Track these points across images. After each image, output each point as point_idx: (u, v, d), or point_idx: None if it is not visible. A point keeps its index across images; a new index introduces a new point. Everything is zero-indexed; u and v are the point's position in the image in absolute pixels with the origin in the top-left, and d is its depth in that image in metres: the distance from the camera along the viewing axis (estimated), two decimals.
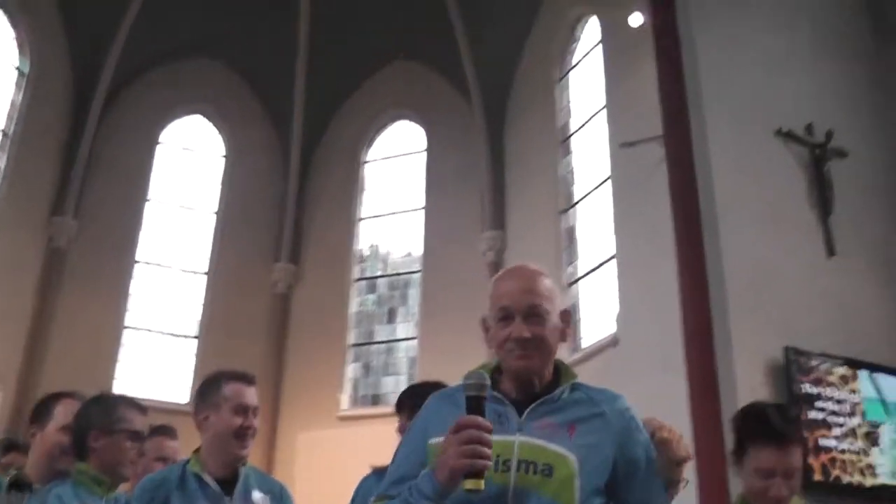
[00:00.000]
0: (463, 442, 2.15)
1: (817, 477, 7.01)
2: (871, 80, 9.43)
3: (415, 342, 15.28)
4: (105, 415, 3.32)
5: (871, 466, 7.45)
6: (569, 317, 2.55)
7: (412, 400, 3.87)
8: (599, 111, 13.15)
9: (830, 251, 8.24)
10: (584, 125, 13.74)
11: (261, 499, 3.58)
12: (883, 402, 7.77)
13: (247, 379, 3.66)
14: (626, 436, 2.44)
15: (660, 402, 9.30)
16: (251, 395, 3.63)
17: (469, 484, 2.13)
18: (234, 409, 3.55)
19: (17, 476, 3.43)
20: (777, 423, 3.01)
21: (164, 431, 4.45)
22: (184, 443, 4.43)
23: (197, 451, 3.64)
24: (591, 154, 13.28)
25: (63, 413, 3.47)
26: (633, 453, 2.44)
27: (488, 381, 2.27)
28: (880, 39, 9.63)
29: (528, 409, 2.35)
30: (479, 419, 2.19)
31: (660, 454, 3.24)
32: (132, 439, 3.32)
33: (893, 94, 9.46)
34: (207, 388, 3.64)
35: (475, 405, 2.21)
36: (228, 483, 3.54)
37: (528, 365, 2.39)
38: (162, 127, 16.70)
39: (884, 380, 7.83)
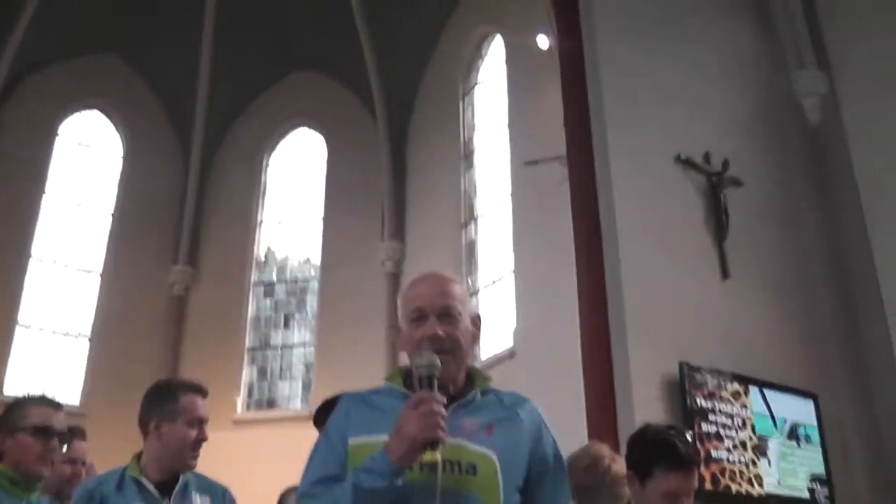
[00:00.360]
0: (423, 415, 2.24)
1: (708, 486, 7.30)
2: (766, 112, 9.84)
3: (311, 348, 15.31)
4: (9, 415, 3.30)
5: (758, 476, 7.82)
6: (479, 322, 2.63)
7: (328, 414, 4.00)
8: (503, 129, 13.37)
9: (725, 274, 8.58)
10: (487, 142, 13.96)
11: (201, 501, 3.63)
12: (772, 417, 8.16)
13: (202, 391, 3.73)
14: (537, 436, 2.54)
15: (556, 413, 9.57)
16: (204, 408, 3.69)
17: (427, 456, 2.23)
18: (189, 422, 3.60)
19: None
20: (684, 450, 3.17)
21: (74, 433, 4.38)
22: None
23: (137, 455, 3.67)
24: (493, 170, 13.51)
25: None
26: (544, 452, 2.54)
27: (439, 363, 2.36)
28: (773, 71, 10.08)
29: (447, 411, 2.35)
30: (436, 394, 2.30)
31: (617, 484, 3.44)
32: (37, 435, 3.26)
33: (785, 127, 9.93)
34: (162, 396, 3.67)
35: (428, 384, 2.32)
36: (167, 487, 3.58)
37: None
38: (61, 120, 16.42)
39: (773, 396, 8.22)
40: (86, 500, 3.47)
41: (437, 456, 2.25)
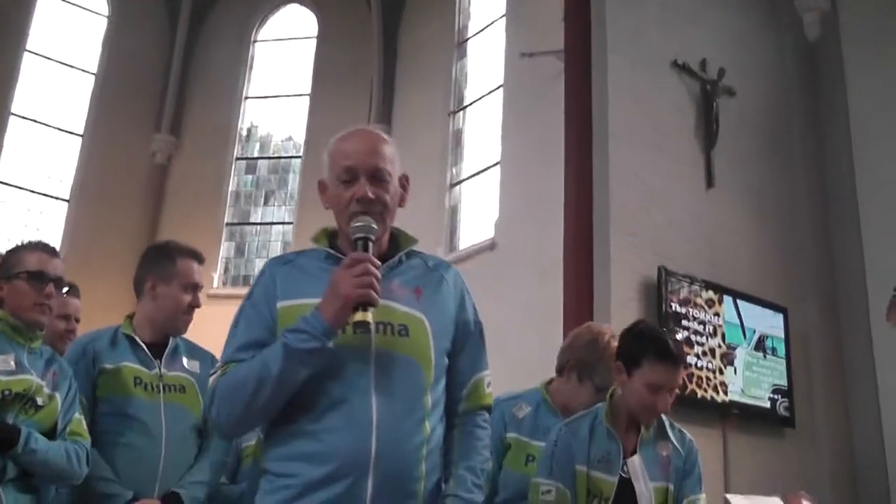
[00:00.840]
0: (358, 274, 2.23)
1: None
2: (764, 25, 9.83)
3: (290, 227, 15.33)
4: (5, 261, 3.27)
5: (723, 384, 8.03)
6: (407, 182, 2.58)
7: None
8: (499, 19, 13.22)
9: (710, 182, 8.68)
10: (482, 31, 13.83)
11: (190, 364, 3.70)
12: (742, 327, 8.35)
13: (199, 258, 3.77)
14: (461, 300, 2.57)
15: (534, 307, 9.80)
16: (200, 274, 3.73)
17: (359, 316, 2.23)
18: (184, 286, 3.65)
19: None
20: (673, 347, 3.30)
21: (69, 290, 4.35)
22: None
23: (130, 316, 3.73)
24: (486, 60, 13.40)
25: None
26: (468, 316, 2.58)
27: (375, 227, 2.36)
28: None
29: None
30: (371, 256, 2.29)
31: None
32: (32, 280, 3.22)
33: (783, 40, 9.92)
34: (160, 258, 3.71)
35: (364, 247, 2.33)
36: (158, 348, 3.64)
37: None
38: None
39: (745, 307, 8.40)
40: (79, 355, 3.53)
41: (369, 316, 2.24)
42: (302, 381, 2.28)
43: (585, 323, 4.23)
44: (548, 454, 3.41)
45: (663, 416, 3.45)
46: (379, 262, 2.32)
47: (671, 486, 3.33)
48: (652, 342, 3.31)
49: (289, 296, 2.42)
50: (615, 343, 3.60)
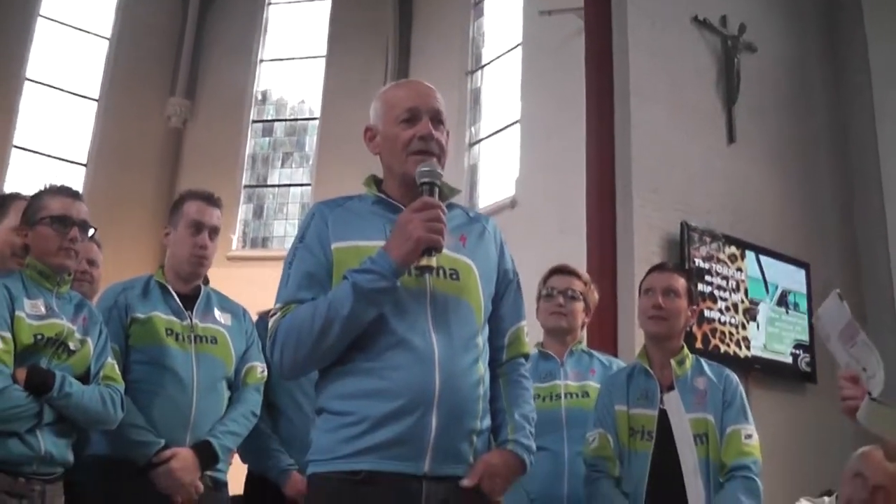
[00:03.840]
0: (428, 219, 2.26)
1: (698, 345, 7.51)
2: None
3: (308, 188, 15.32)
4: (29, 207, 3.24)
5: (746, 339, 8.04)
6: (447, 138, 2.60)
7: None
8: None
9: (731, 138, 8.65)
10: None
11: (222, 317, 3.69)
12: (764, 283, 8.34)
13: (208, 198, 3.73)
14: (501, 249, 2.63)
15: (556, 263, 9.78)
16: (210, 215, 3.69)
17: (425, 260, 2.28)
18: (189, 226, 3.63)
19: None
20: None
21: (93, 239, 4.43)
22: None
23: (162, 266, 3.74)
24: (503, 18, 13.33)
25: (17, 212, 3.35)
26: (507, 265, 2.64)
27: (441, 172, 2.41)
28: None
29: None
30: (440, 203, 2.34)
31: None
32: (55, 224, 3.18)
33: None
34: (174, 205, 3.75)
35: (429, 192, 2.36)
36: (191, 300, 3.64)
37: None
38: None
39: (767, 262, 8.39)
40: (111, 304, 3.54)
41: (433, 261, 2.30)
42: (369, 320, 2.31)
43: None
44: (594, 409, 3.65)
45: (700, 359, 3.65)
46: (445, 209, 2.34)
47: (711, 417, 3.45)
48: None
49: (343, 237, 2.44)
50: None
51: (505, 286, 2.61)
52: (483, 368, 2.45)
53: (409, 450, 2.28)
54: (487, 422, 2.46)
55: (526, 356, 2.65)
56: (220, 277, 3.79)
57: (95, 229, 3.39)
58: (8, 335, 2.96)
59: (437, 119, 2.50)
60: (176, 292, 3.62)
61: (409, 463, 2.28)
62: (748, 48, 8.99)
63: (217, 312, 3.70)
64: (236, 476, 3.95)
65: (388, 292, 2.29)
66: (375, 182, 2.59)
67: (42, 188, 3.32)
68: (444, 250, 2.37)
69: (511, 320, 2.62)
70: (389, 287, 2.28)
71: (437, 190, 2.37)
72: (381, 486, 2.26)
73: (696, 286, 7.57)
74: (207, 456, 3.42)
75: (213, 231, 3.70)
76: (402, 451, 2.28)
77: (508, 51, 12.92)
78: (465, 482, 2.34)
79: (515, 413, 2.51)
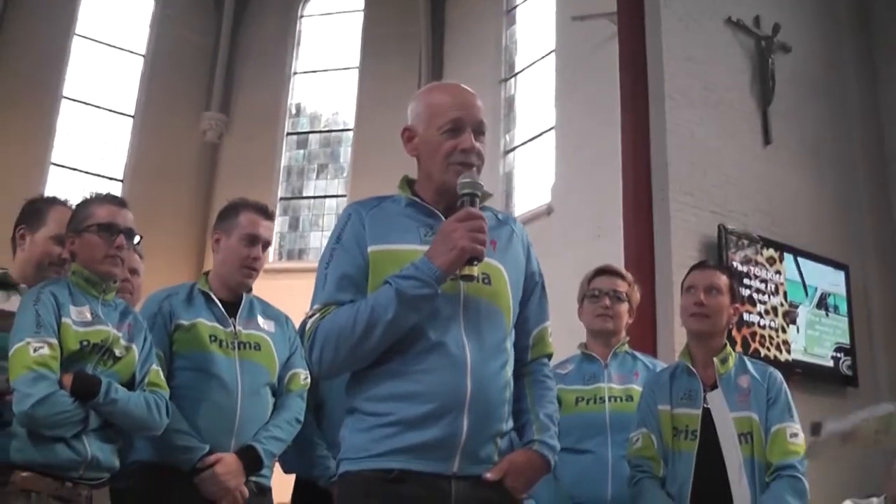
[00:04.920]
0: (474, 230, 2.30)
1: (738, 349, 7.44)
2: None
3: (344, 199, 15.36)
4: (76, 215, 3.25)
5: (786, 343, 7.98)
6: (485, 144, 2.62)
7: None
8: None
9: (767, 140, 8.60)
10: None
11: (265, 324, 3.71)
12: (803, 285, 8.27)
13: (264, 212, 3.74)
14: (528, 253, 2.66)
15: (594, 268, 9.76)
16: (265, 228, 3.70)
17: (466, 270, 2.32)
18: (244, 238, 3.63)
19: (1, 276, 3.32)
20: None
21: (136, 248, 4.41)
22: None
23: (206, 273, 3.76)
24: (536, 25, 13.35)
25: (55, 221, 3.36)
26: (534, 267, 2.67)
27: (482, 185, 2.43)
28: None
29: None
30: (482, 213, 2.37)
31: None
32: (102, 232, 3.18)
33: None
34: (226, 211, 3.73)
35: (471, 202, 2.38)
36: (233, 307, 3.65)
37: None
38: None
39: (806, 264, 8.32)
40: (155, 311, 3.55)
41: (475, 271, 2.34)
42: (410, 326, 2.34)
43: None
44: (637, 409, 3.64)
45: (744, 357, 3.64)
46: (486, 220, 2.36)
47: (755, 416, 3.43)
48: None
49: (379, 240, 2.47)
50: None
51: (532, 288, 2.64)
52: (510, 372, 2.49)
53: (439, 452, 2.33)
54: (511, 423, 2.50)
55: (549, 356, 2.70)
56: (257, 290, 3.80)
57: (141, 237, 3.41)
58: (55, 341, 2.98)
59: (479, 131, 2.52)
60: (219, 300, 3.64)
61: (441, 463, 2.33)
62: (782, 48, 8.95)
63: (260, 319, 3.71)
64: (284, 481, 3.97)
65: (430, 299, 2.32)
66: (408, 183, 2.61)
67: (88, 196, 3.34)
68: None
69: (536, 321, 2.65)
70: (432, 294, 2.32)
71: (477, 200, 2.40)
72: (412, 485, 2.31)
73: (739, 284, 7.54)
74: (252, 461, 3.44)
75: (266, 244, 3.72)
76: (433, 453, 2.33)
77: (542, 58, 12.95)
78: (488, 475, 2.38)
79: (540, 413, 2.55)
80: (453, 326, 2.38)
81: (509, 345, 2.50)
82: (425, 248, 2.37)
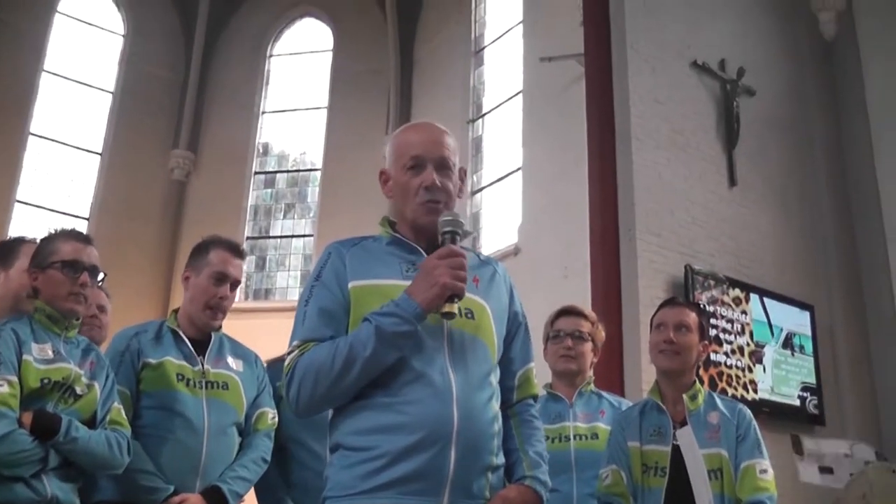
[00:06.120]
0: (455, 267, 2.30)
1: (705, 388, 7.47)
2: (781, 24, 9.88)
3: (311, 239, 15.34)
4: (40, 250, 3.21)
5: (753, 382, 8.01)
6: (464, 175, 2.66)
7: None
8: (516, 25, 13.28)
9: (732, 181, 8.69)
10: (499, 38, 13.89)
11: (234, 363, 3.67)
12: (769, 325, 8.32)
13: (236, 250, 3.72)
14: (511, 292, 2.65)
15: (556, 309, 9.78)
16: (235, 267, 3.67)
17: (447, 307, 2.31)
18: (212, 276, 3.60)
19: None
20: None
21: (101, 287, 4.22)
22: None
23: (175, 310, 3.72)
24: (503, 67, 13.46)
25: (28, 255, 3.29)
26: (517, 308, 2.66)
27: (462, 222, 2.43)
28: None
29: None
30: (462, 250, 2.37)
31: None
32: (66, 269, 3.15)
33: (800, 39, 9.94)
34: (198, 249, 3.71)
35: (452, 240, 2.39)
36: (203, 345, 3.62)
37: (437, 220, 2.45)
38: None
39: (772, 304, 8.38)
40: (123, 348, 3.51)
41: (455, 308, 2.33)
42: (390, 363, 2.32)
43: None
44: (607, 446, 3.65)
45: (713, 393, 3.71)
46: (466, 258, 2.38)
47: (724, 452, 3.44)
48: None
49: (360, 276, 2.46)
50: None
51: (515, 328, 2.64)
52: (497, 406, 2.47)
53: (428, 484, 2.28)
54: (502, 458, 2.47)
55: (535, 397, 2.68)
56: (223, 329, 3.76)
57: (106, 275, 3.37)
58: (14, 379, 2.94)
59: (442, 166, 2.52)
60: (188, 338, 3.61)
61: (429, 498, 2.28)
62: (747, 91, 9.07)
63: (230, 358, 3.68)
64: None
65: (410, 336, 2.31)
66: (389, 223, 2.61)
67: (53, 231, 3.30)
68: None
69: (521, 362, 2.64)
70: (412, 331, 2.31)
71: (458, 238, 2.40)
72: None
73: (708, 321, 7.57)
74: (217, 501, 3.39)
75: (235, 283, 3.69)
76: (422, 486, 2.27)
77: (509, 98, 13.04)
78: None
79: (530, 451, 2.53)
80: (438, 357, 2.37)
81: (494, 380, 2.48)
82: (407, 283, 2.36)
